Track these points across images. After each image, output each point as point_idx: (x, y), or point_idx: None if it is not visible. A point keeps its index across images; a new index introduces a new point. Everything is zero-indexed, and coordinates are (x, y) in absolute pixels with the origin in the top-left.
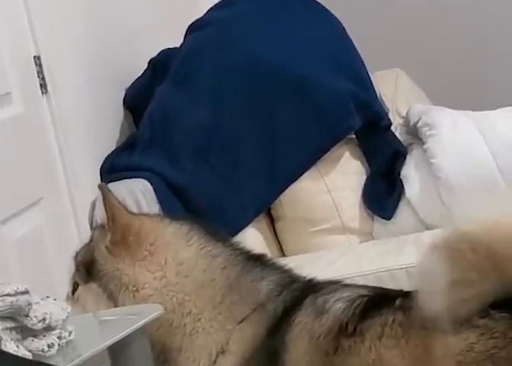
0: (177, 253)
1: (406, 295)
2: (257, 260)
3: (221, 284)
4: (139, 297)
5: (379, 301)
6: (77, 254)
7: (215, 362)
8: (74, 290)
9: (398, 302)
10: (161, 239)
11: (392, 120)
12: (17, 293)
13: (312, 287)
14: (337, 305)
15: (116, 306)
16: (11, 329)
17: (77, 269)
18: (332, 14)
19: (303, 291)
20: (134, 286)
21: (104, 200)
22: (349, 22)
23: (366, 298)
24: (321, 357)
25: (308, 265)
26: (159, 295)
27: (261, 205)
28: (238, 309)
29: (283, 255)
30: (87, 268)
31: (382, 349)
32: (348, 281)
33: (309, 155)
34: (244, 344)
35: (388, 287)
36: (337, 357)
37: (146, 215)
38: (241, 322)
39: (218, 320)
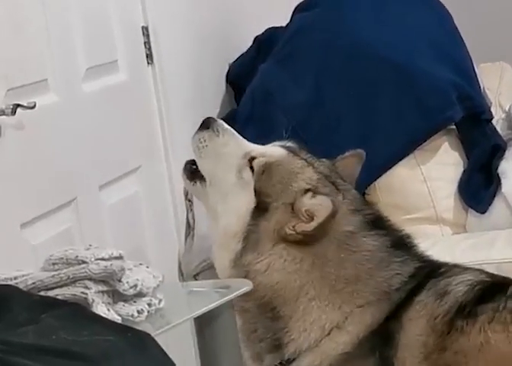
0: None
1: None
2: (400, 248)
3: (348, 276)
4: (269, 270)
5: (495, 287)
6: None
7: (329, 334)
8: None
9: (510, 290)
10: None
11: (494, 113)
12: (111, 258)
13: (434, 270)
14: (458, 287)
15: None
16: (103, 292)
17: None
18: (441, 4)
19: (426, 274)
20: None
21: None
22: (457, 12)
23: (486, 283)
24: (436, 338)
25: None
26: (286, 274)
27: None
28: (360, 297)
29: None
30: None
31: (490, 332)
32: None
33: (407, 143)
34: (361, 326)
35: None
36: (449, 337)
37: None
38: (362, 306)
39: (335, 302)
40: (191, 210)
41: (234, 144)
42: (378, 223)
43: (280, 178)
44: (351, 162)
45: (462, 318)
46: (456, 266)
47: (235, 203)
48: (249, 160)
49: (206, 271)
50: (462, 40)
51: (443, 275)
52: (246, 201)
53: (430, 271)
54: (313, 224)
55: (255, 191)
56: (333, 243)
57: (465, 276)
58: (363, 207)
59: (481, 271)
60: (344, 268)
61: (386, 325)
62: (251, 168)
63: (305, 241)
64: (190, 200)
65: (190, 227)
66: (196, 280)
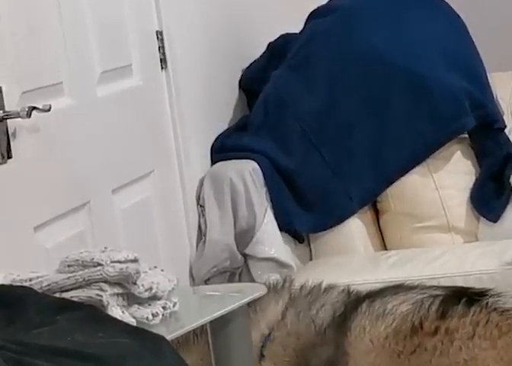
0: None
1: (492, 294)
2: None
3: None
4: None
5: (460, 299)
6: None
7: None
8: None
9: (490, 302)
10: None
11: (506, 122)
12: (127, 261)
13: (366, 295)
14: (402, 307)
15: None
16: (118, 295)
17: None
18: (455, 12)
19: (356, 300)
20: None
21: None
22: (470, 21)
23: (440, 297)
24: (391, 358)
25: (410, 260)
26: None
27: (367, 196)
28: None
29: (385, 248)
30: None
31: (476, 350)
32: (448, 280)
33: (419, 150)
34: (279, 356)
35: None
36: (416, 358)
37: None
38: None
39: None
40: (203, 215)
41: None
42: None
43: None
44: None
45: (428, 336)
46: (393, 287)
47: None
48: None
49: (217, 276)
50: (476, 48)
51: (374, 297)
52: None
53: (354, 300)
54: None
55: None
56: None
57: (408, 295)
58: None
59: (436, 287)
60: None
61: (325, 351)
62: None
63: None
64: (202, 206)
65: (201, 233)
66: (207, 285)
